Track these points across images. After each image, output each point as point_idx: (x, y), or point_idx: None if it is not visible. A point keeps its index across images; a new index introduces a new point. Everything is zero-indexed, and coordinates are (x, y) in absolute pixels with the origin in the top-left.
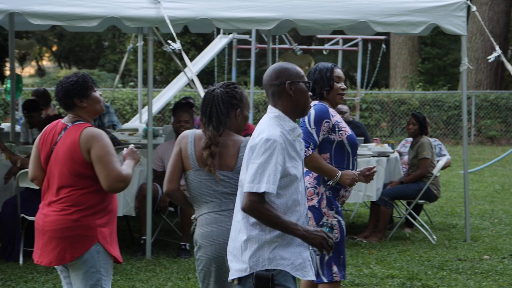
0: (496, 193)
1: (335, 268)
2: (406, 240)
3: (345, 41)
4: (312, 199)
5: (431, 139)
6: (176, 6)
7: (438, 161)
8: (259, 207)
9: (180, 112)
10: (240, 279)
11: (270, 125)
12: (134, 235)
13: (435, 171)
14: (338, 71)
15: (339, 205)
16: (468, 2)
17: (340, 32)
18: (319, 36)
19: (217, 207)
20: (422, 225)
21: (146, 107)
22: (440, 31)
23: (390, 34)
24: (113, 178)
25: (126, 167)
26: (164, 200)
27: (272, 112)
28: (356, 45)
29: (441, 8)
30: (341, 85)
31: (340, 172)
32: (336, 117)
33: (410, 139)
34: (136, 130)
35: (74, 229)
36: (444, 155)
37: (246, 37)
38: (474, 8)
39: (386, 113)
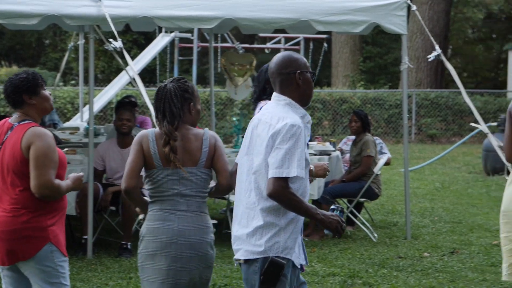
0: (436, 191)
1: None
2: (348, 238)
3: (287, 40)
4: None
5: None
6: (117, 4)
7: (379, 159)
8: (285, 192)
9: (122, 110)
10: (247, 260)
11: (287, 112)
12: (75, 235)
13: (376, 170)
14: None
15: None
16: (408, 1)
17: (282, 31)
18: (261, 35)
19: (170, 206)
20: (363, 223)
21: (87, 106)
22: (381, 30)
23: (331, 33)
24: (42, 181)
25: (62, 181)
26: (105, 199)
27: (281, 99)
28: (298, 44)
29: (382, 7)
30: None
31: (312, 166)
32: None
33: (352, 137)
34: (77, 128)
35: (24, 231)
36: (385, 153)
37: (188, 35)
38: (414, 7)
39: (328, 111)
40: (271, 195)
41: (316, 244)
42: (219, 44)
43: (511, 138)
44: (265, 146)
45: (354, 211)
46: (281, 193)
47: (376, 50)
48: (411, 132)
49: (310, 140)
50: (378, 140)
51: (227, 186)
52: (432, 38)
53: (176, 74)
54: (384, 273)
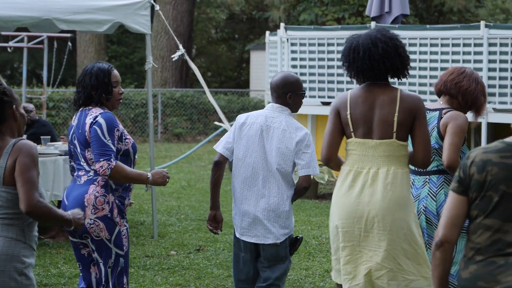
0: (182, 190)
1: (125, 279)
2: None
3: (30, 38)
4: (103, 208)
5: None
6: None
7: None
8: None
9: None
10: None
11: (296, 122)
12: None
13: None
14: (116, 74)
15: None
16: (152, 1)
17: (25, 29)
18: (3, 33)
19: None
20: None
21: None
22: (126, 30)
23: (76, 32)
24: None
25: None
26: None
27: (285, 109)
28: (41, 42)
29: (126, 6)
30: (119, 89)
31: (150, 174)
32: (120, 125)
33: None
34: None
35: None
36: None
37: None
38: (157, 7)
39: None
40: (307, 188)
41: (62, 246)
42: None
43: (331, 137)
44: (292, 150)
45: None
46: (310, 186)
47: (122, 50)
48: (157, 131)
49: (54, 140)
50: None
51: (25, 212)
52: (176, 38)
53: None
54: (131, 273)
